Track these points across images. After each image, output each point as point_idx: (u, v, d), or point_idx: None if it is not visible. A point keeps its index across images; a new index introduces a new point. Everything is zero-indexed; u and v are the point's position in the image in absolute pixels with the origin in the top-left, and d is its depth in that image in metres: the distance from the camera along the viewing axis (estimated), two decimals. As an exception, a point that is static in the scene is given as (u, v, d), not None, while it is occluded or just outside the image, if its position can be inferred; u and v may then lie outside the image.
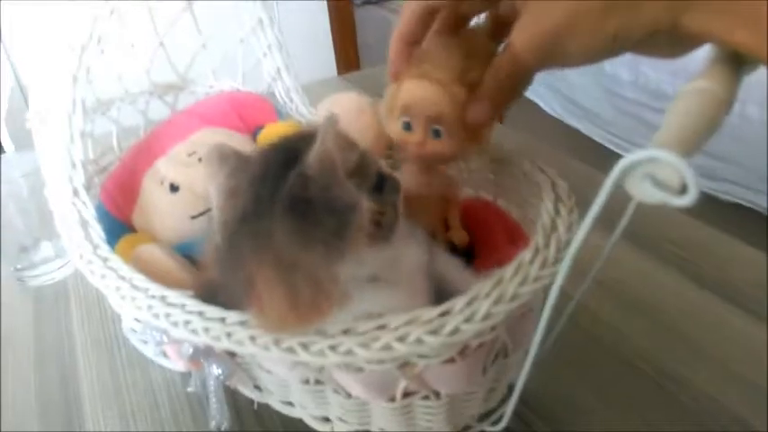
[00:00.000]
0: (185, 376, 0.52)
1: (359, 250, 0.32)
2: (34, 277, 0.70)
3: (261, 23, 0.64)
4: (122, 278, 0.39)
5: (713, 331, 0.52)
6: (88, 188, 0.45)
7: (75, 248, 0.41)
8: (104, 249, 0.41)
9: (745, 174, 1.34)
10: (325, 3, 2.62)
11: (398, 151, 0.49)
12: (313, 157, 0.32)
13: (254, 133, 0.61)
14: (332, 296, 0.31)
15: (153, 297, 0.37)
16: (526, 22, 0.32)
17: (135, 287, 0.38)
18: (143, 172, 0.54)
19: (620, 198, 0.24)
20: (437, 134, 0.42)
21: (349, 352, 0.31)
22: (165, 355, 0.52)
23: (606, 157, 1.60)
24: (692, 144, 0.24)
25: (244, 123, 0.61)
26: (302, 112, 0.66)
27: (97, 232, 0.42)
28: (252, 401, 0.46)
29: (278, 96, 0.67)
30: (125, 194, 0.54)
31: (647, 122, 1.55)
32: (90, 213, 0.43)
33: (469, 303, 0.31)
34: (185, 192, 0.52)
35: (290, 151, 0.35)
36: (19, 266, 0.70)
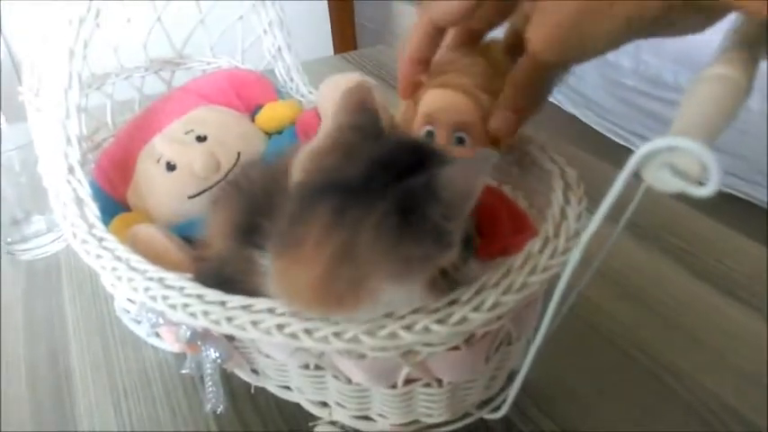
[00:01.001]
0: (178, 356, 0.52)
1: (417, 285, 0.31)
2: (26, 251, 0.69)
3: (262, 0, 0.62)
4: (118, 258, 0.38)
5: (710, 322, 0.52)
6: (82, 165, 0.44)
7: (70, 227, 0.40)
8: (100, 229, 0.40)
9: (746, 166, 1.34)
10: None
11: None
12: (452, 177, 0.30)
13: (252, 112, 0.60)
14: (357, 306, 0.30)
15: (150, 279, 0.36)
16: (540, 19, 0.31)
17: (132, 268, 0.37)
18: (138, 149, 0.53)
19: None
20: (460, 141, 0.42)
21: (354, 339, 0.30)
22: (158, 335, 0.51)
23: (603, 145, 1.60)
24: (714, 132, 0.24)
25: (242, 102, 0.60)
26: (302, 92, 0.65)
27: (92, 211, 0.41)
28: (247, 385, 0.45)
29: (278, 75, 0.66)
30: (119, 172, 0.53)
31: (646, 111, 1.55)
32: (85, 191, 0.42)
33: (478, 293, 0.30)
34: (182, 171, 0.51)
35: (424, 157, 0.33)
36: (10, 240, 0.69)
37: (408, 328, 0.30)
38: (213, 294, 0.34)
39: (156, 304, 0.35)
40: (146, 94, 0.66)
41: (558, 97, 1.86)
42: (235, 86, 0.61)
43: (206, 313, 0.33)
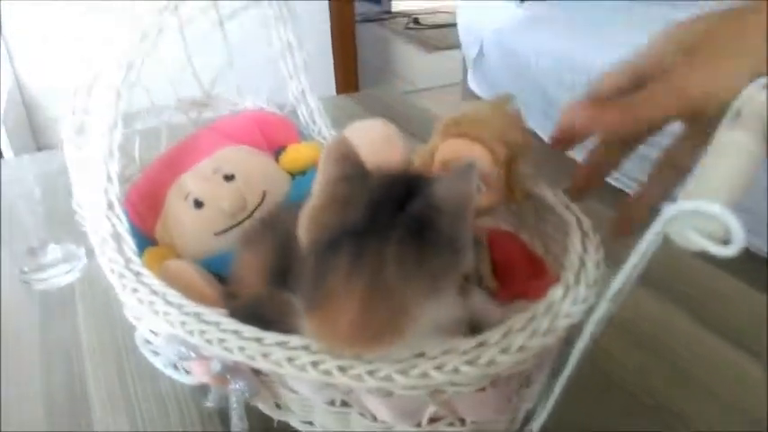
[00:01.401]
0: (194, 389, 0.52)
1: (450, 295, 0.34)
2: (41, 281, 0.70)
3: (290, 47, 0.65)
4: (155, 293, 0.40)
5: (716, 369, 0.53)
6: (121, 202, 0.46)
7: (108, 262, 0.42)
8: (137, 263, 0.42)
9: (750, 218, 1.37)
10: (328, 18, 2.63)
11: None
12: (447, 189, 0.33)
13: (276, 153, 0.63)
14: (404, 332, 0.32)
15: (187, 314, 0.38)
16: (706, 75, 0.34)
17: (168, 302, 0.39)
18: (167, 185, 0.55)
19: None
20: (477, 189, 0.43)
21: (387, 378, 0.32)
22: (176, 368, 0.52)
23: (604, 189, 1.61)
24: (736, 196, 0.26)
25: (267, 142, 0.63)
26: (324, 134, 0.67)
27: (130, 246, 0.43)
28: (267, 419, 0.46)
29: (300, 117, 0.69)
30: (148, 207, 0.55)
31: (640, 156, 1.58)
32: (123, 227, 0.43)
33: (505, 336, 0.32)
34: (210, 208, 0.53)
35: (410, 183, 0.35)
36: (26, 269, 0.70)
37: (439, 368, 0.31)
38: (249, 330, 0.36)
39: (192, 338, 0.37)
40: (173, 133, 0.68)
41: (536, 125, 1.89)
42: (260, 127, 0.64)
43: (242, 348, 0.35)
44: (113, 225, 0.43)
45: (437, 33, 3.75)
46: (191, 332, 0.37)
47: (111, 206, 0.44)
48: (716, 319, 0.59)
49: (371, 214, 0.34)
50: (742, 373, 0.53)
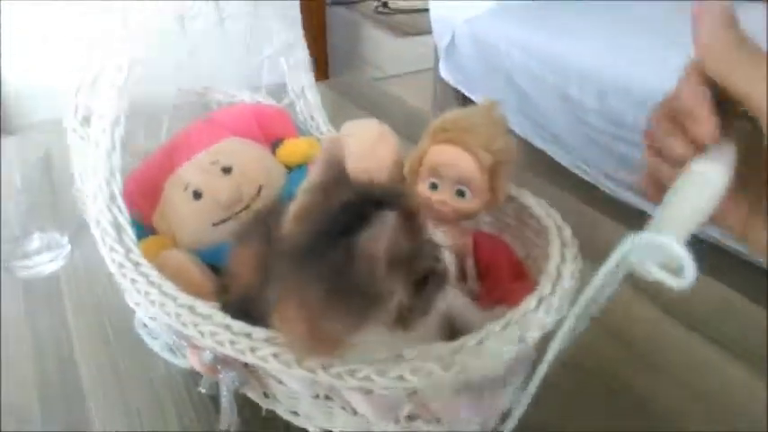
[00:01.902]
0: (188, 374, 0.54)
1: (377, 329, 0.35)
2: (25, 269, 0.71)
3: (290, 47, 0.66)
4: (152, 284, 0.42)
5: (712, 379, 0.55)
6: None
7: (109, 251, 0.44)
8: (136, 254, 0.44)
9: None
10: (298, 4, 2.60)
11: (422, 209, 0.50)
12: (363, 242, 0.34)
13: (273, 145, 0.64)
14: (340, 346, 0.35)
15: (181, 306, 0.40)
16: None
17: (164, 294, 0.41)
18: (166, 176, 0.57)
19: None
20: (461, 194, 0.47)
21: (366, 378, 0.34)
22: (172, 351, 0.54)
23: (570, 180, 1.65)
24: (690, 230, 0.28)
25: (264, 135, 0.64)
26: (322, 130, 0.69)
27: (130, 237, 0.45)
28: (258, 406, 0.49)
29: (299, 112, 0.70)
30: (146, 197, 0.57)
31: (611, 150, 1.62)
32: (125, 218, 0.45)
33: (480, 342, 0.34)
34: (207, 200, 0.55)
35: (368, 206, 0.36)
36: (9, 258, 0.71)
37: (415, 371, 0.33)
38: (239, 325, 0.38)
39: (185, 330, 0.39)
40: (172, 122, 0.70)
41: (527, 133, 1.92)
42: (258, 120, 0.65)
43: (232, 342, 0.37)
44: (115, 216, 0.45)
45: (407, 18, 3.66)
46: (184, 324, 0.39)
47: (113, 198, 0.45)
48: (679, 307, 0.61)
49: (314, 240, 0.36)
50: (703, 358, 0.56)
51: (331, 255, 0.35)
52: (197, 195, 0.55)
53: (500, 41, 1.94)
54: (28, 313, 0.65)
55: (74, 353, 0.59)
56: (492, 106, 0.49)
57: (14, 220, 0.70)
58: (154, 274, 0.43)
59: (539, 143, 1.87)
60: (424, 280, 0.37)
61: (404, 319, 0.36)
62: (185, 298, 0.41)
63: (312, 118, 0.70)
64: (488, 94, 2.01)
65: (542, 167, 1.82)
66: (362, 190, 0.39)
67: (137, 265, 0.43)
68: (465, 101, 2.18)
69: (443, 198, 0.48)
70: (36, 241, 0.72)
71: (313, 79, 0.70)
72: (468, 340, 0.35)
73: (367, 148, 0.53)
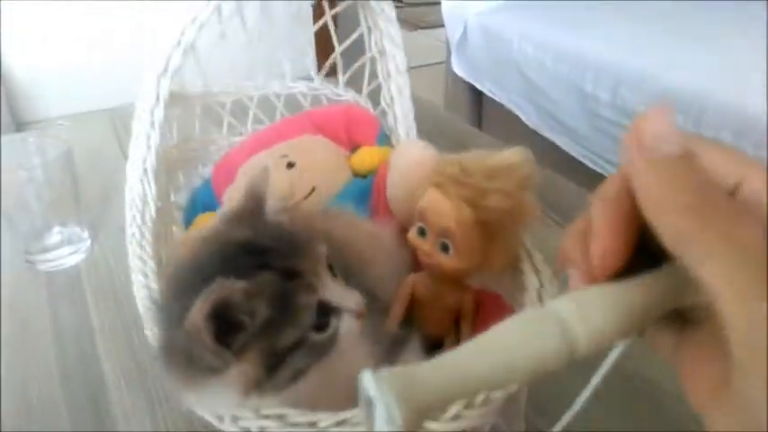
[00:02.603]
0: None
1: (230, 395, 0.35)
2: (46, 262, 0.72)
3: (383, 53, 0.66)
4: (143, 261, 0.46)
5: None
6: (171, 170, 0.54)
7: (130, 219, 0.49)
8: (148, 227, 0.48)
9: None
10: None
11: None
12: (189, 318, 0.33)
13: (353, 149, 0.65)
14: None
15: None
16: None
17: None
18: (245, 159, 0.61)
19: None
20: (444, 247, 0.42)
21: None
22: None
23: (579, 171, 1.65)
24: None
25: (348, 138, 0.66)
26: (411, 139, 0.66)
27: (151, 214, 0.49)
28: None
29: (389, 121, 0.68)
30: (227, 176, 0.62)
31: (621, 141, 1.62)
32: (151, 193, 0.49)
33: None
34: None
35: (248, 258, 0.37)
36: (31, 250, 0.72)
37: None
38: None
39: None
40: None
41: (536, 123, 1.93)
42: (346, 122, 0.66)
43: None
44: (143, 188, 0.49)
45: (419, 11, 3.60)
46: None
47: (145, 172, 0.49)
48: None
49: (196, 274, 0.36)
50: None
51: (181, 303, 0.34)
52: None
53: (512, 35, 1.95)
54: (51, 306, 0.66)
55: (96, 345, 0.60)
56: (517, 159, 0.43)
57: (37, 215, 0.71)
58: (148, 249, 0.48)
59: (549, 134, 1.88)
60: (293, 347, 0.36)
61: (257, 388, 0.35)
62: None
63: (396, 129, 0.67)
64: (500, 88, 2.02)
65: (553, 159, 1.82)
66: (263, 233, 0.38)
67: (143, 236, 0.48)
68: (477, 95, 2.18)
69: (427, 249, 0.43)
70: (57, 235, 0.73)
71: (407, 91, 0.67)
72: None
73: (403, 173, 0.53)
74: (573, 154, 1.81)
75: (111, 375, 0.57)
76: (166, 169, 0.68)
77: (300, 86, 0.81)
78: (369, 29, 0.68)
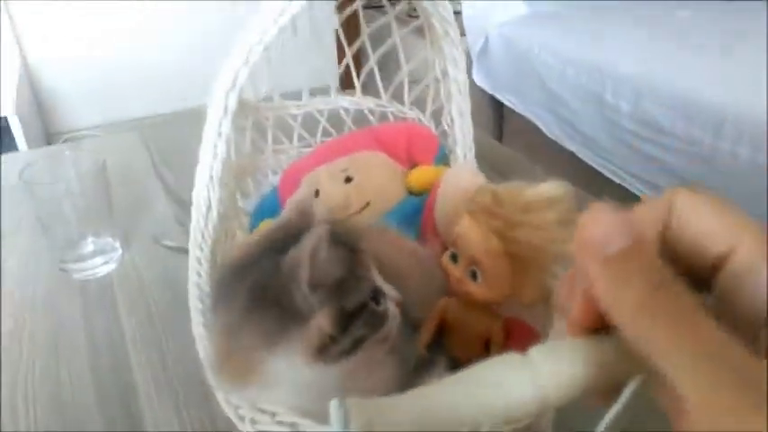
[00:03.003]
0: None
1: (293, 357, 0.36)
2: (79, 271, 0.75)
3: (445, 74, 0.66)
4: (200, 262, 0.49)
5: None
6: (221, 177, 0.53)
7: (195, 222, 0.52)
8: (210, 228, 0.51)
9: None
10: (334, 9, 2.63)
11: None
12: (290, 253, 0.35)
13: (411, 167, 0.66)
14: (249, 377, 0.37)
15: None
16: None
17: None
18: (310, 169, 0.64)
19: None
20: (474, 276, 0.43)
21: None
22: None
23: (598, 182, 1.66)
24: None
25: (407, 156, 0.67)
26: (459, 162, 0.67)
27: (213, 219, 0.52)
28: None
29: (448, 142, 0.70)
30: (292, 185, 0.65)
31: (642, 153, 1.63)
32: (216, 198, 0.52)
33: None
34: (322, 200, 0.60)
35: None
36: (66, 259, 0.75)
37: None
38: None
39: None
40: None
41: (556, 133, 1.93)
42: (407, 140, 0.68)
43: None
44: (209, 193, 0.51)
45: None
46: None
47: (211, 179, 0.51)
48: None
49: (263, 248, 0.40)
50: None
51: (258, 269, 0.37)
52: (316, 194, 0.61)
53: (533, 46, 1.96)
54: (84, 313, 0.68)
55: (128, 353, 0.62)
56: (555, 193, 0.42)
57: (72, 225, 0.73)
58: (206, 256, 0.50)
59: (570, 145, 1.88)
60: (355, 315, 0.38)
61: (325, 350, 0.37)
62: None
63: (452, 152, 0.68)
64: (520, 98, 2.03)
65: (572, 170, 1.82)
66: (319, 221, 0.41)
67: (203, 236, 0.51)
68: (498, 105, 2.19)
69: (458, 275, 0.44)
70: (90, 245, 0.75)
71: (468, 113, 0.67)
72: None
73: (448, 197, 0.54)
74: (593, 165, 1.82)
75: (141, 384, 0.59)
76: (237, 176, 0.72)
77: (369, 103, 0.85)
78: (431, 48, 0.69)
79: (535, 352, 0.25)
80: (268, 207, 0.68)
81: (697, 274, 0.25)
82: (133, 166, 1.00)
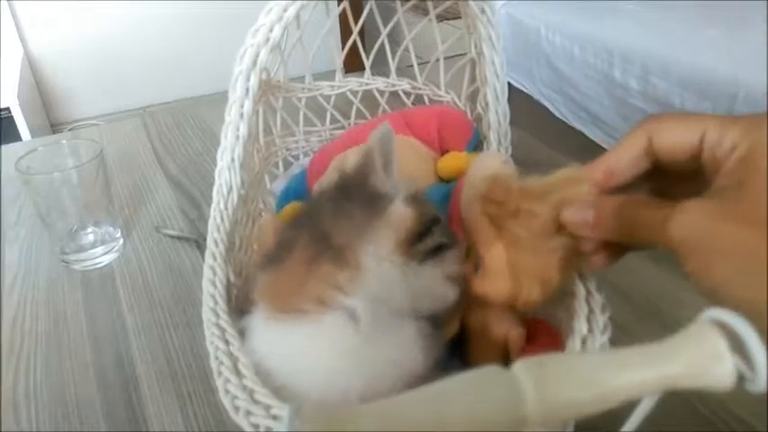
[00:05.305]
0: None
1: (389, 244, 0.37)
2: (80, 261, 0.74)
3: (481, 55, 0.63)
4: (216, 243, 0.48)
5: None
6: (242, 159, 0.53)
7: (215, 204, 0.51)
8: (230, 211, 0.51)
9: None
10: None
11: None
12: (355, 158, 0.38)
13: (443, 153, 0.65)
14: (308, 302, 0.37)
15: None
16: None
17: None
18: (337, 153, 0.63)
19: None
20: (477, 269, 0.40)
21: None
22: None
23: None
24: None
25: (439, 141, 0.65)
26: (494, 150, 0.63)
27: (233, 201, 0.51)
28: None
29: (482, 127, 0.66)
30: (321, 168, 0.64)
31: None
32: (237, 181, 0.51)
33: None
34: None
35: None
36: (67, 250, 0.74)
37: None
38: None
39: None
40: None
41: (564, 112, 1.91)
42: (439, 125, 0.65)
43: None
44: (230, 175, 0.51)
45: (446, 2, 3.66)
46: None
47: (232, 160, 0.51)
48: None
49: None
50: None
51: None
52: (342, 176, 0.60)
53: (540, 25, 1.93)
54: (85, 304, 0.67)
55: (130, 344, 0.62)
56: (574, 176, 0.39)
57: (72, 215, 0.72)
58: (221, 245, 0.48)
59: (578, 125, 1.86)
60: (434, 225, 0.40)
61: (410, 246, 0.38)
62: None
63: (488, 135, 0.64)
64: (527, 79, 2.00)
65: (580, 149, 1.80)
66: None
67: (222, 221, 0.50)
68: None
69: (465, 268, 0.41)
70: (90, 235, 0.74)
71: (504, 97, 0.63)
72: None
73: (473, 185, 0.50)
74: (602, 144, 1.80)
75: (144, 375, 0.58)
76: (265, 158, 0.71)
77: (404, 84, 0.83)
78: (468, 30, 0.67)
79: (523, 372, 0.23)
80: (294, 189, 0.67)
81: (687, 173, 0.32)
82: (134, 155, 0.99)
